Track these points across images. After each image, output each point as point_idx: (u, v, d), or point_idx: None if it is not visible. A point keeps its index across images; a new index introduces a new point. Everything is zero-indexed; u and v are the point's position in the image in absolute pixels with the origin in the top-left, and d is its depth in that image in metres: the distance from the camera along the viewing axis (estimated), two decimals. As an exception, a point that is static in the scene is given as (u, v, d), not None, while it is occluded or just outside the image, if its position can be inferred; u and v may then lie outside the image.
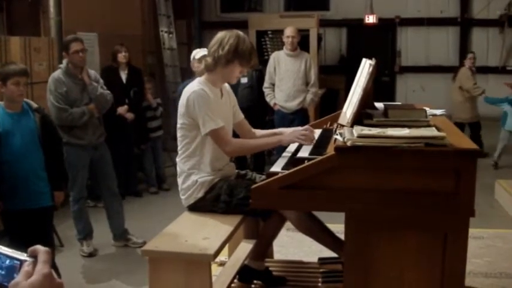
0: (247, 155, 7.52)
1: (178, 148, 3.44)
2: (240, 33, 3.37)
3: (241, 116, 3.70)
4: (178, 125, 3.39)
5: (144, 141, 7.29)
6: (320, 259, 3.92)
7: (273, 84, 7.37)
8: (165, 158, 7.91)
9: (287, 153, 3.43)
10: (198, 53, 5.34)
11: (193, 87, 3.32)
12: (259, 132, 3.76)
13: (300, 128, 3.59)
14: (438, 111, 3.77)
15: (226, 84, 3.56)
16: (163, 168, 7.63)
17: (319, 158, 2.71)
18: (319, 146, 3.22)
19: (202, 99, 3.24)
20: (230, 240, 3.26)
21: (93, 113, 4.92)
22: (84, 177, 5.05)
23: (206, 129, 3.23)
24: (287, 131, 3.63)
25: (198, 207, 3.41)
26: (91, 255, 5.09)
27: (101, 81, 5.12)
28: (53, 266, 3.88)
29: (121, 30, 8.10)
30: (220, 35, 3.36)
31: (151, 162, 7.43)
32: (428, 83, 12.74)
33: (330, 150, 2.79)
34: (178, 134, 3.41)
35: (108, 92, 5.09)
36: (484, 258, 4.74)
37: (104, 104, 5.03)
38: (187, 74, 7.43)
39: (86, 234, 5.11)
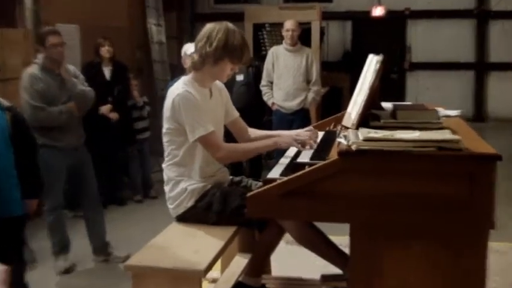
0: (242, 160, 7.50)
1: (165, 154, 3.43)
2: (230, 25, 3.35)
3: (236, 113, 3.69)
4: (163, 130, 3.38)
5: (129, 143, 7.28)
6: (323, 276, 3.88)
7: (271, 82, 7.40)
8: (153, 163, 7.88)
9: (286, 158, 3.42)
10: (190, 48, 5.32)
11: (177, 88, 3.30)
12: (254, 132, 3.75)
13: (300, 130, 3.57)
14: (452, 112, 3.76)
15: (218, 81, 3.54)
16: (150, 174, 7.60)
17: (321, 163, 2.71)
18: (321, 150, 3.22)
19: (189, 103, 3.22)
20: (223, 254, 3.24)
21: (73, 112, 4.89)
22: (61, 183, 5.01)
23: (194, 136, 3.22)
24: (285, 133, 3.61)
25: (187, 217, 3.39)
26: (68, 271, 5.05)
27: (81, 76, 5.11)
28: (24, 284, 3.85)
29: (105, 22, 8.09)
30: (207, 28, 3.33)
31: (137, 167, 7.42)
32: (441, 81, 12.75)
33: (333, 155, 2.80)
34: (164, 139, 3.40)
35: (90, 88, 5.07)
36: (509, 278, 4.70)
37: (84, 102, 5.01)
38: (178, 71, 7.41)
39: (62, 247, 5.07)
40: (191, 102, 3.22)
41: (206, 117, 3.26)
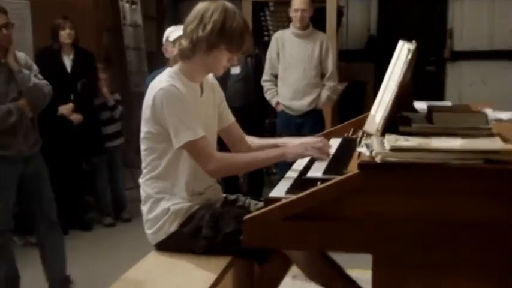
0: (238, 174, 7.51)
1: (143, 166, 3.46)
2: (228, 5, 3.38)
3: (231, 118, 3.73)
4: (142, 134, 3.41)
5: (96, 152, 7.28)
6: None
7: (276, 76, 7.42)
8: (127, 177, 7.88)
9: (293, 172, 3.45)
10: (173, 32, 5.37)
11: (161, 81, 3.32)
12: (255, 141, 3.78)
13: (310, 138, 3.59)
14: (505, 115, 3.77)
15: (210, 76, 3.58)
16: (124, 191, 7.61)
17: (338, 178, 2.71)
18: (338, 162, 3.24)
19: (174, 100, 3.24)
20: (214, 292, 3.26)
21: (24, 112, 4.89)
22: (9, 202, 4.98)
23: (180, 142, 3.24)
24: (293, 141, 3.64)
25: (169, 244, 3.41)
26: (16, 314, 5.04)
27: (35, 67, 5.07)
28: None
29: (64, -2, 8.10)
30: (200, 7, 3.35)
31: (106, 182, 7.42)
32: (491, 74, 12.66)
33: (353, 168, 2.80)
34: (143, 146, 3.43)
35: (46, 82, 5.04)
36: None
37: (39, 99, 4.98)
38: (159, 61, 7.42)
39: (8, 283, 5.04)
40: (177, 99, 3.24)
41: (195, 119, 3.28)
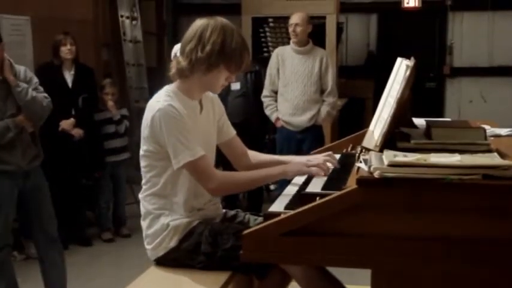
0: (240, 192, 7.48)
1: (143, 182, 3.46)
2: (225, 22, 3.36)
3: (232, 132, 3.72)
4: (141, 152, 3.41)
5: (97, 167, 7.27)
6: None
7: (276, 92, 7.42)
8: (126, 192, 7.85)
9: (292, 187, 3.46)
10: (181, 49, 5.38)
11: (158, 101, 3.30)
12: (255, 156, 3.79)
13: (316, 155, 3.60)
14: (504, 131, 3.76)
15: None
16: (124, 206, 7.62)
17: (336, 193, 2.71)
18: (337, 178, 3.25)
19: (172, 121, 3.23)
20: (213, 307, 3.26)
21: (22, 127, 4.86)
22: (9, 217, 4.98)
23: (180, 162, 3.23)
24: (296, 158, 3.65)
25: (169, 260, 3.41)
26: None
27: (35, 80, 5.05)
28: None
29: (63, 13, 8.07)
30: (197, 26, 3.33)
31: (108, 198, 7.42)
32: (491, 90, 12.65)
33: (351, 184, 2.81)
34: (142, 163, 3.43)
35: (45, 94, 5.02)
36: None
37: (37, 112, 4.93)
38: (161, 78, 7.40)
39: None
40: (175, 120, 3.23)
41: (194, 138, 3.27)
